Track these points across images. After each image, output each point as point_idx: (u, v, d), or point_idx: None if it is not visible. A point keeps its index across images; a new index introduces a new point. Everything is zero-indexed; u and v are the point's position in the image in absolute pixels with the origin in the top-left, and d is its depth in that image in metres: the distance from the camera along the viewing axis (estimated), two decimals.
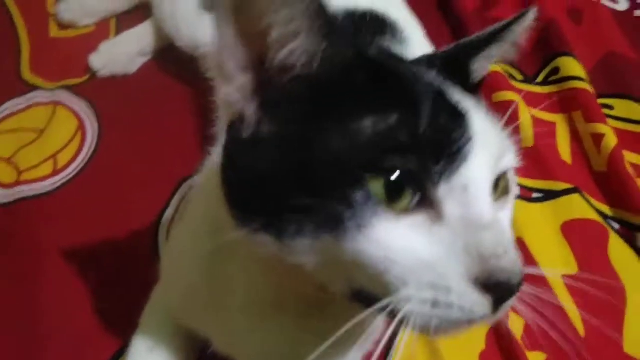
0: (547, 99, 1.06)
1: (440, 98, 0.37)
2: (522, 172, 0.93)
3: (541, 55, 1.12)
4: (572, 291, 0.80)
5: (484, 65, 0.47)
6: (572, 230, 0.87)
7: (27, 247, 0.82)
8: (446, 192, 0.34)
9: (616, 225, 0.89)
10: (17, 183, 0.88)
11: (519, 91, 1.05)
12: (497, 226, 0.35)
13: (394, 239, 0.34)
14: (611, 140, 0.94)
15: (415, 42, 0.81)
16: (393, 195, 0.34)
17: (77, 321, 0.74)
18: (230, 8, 0.34)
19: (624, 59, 1.12)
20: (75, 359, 0.72)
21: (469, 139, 0.35)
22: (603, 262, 0.85)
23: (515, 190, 0.42)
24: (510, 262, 0.34)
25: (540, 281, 0.80)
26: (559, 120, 1.03)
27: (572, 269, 0.84)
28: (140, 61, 1.07)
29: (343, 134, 0.34)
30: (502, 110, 1.01)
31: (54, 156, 0.92)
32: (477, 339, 0.76)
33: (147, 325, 0.68)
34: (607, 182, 0.93)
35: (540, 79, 1.11)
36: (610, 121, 1.00)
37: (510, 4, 1.20)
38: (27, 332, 0.74)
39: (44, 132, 0.95)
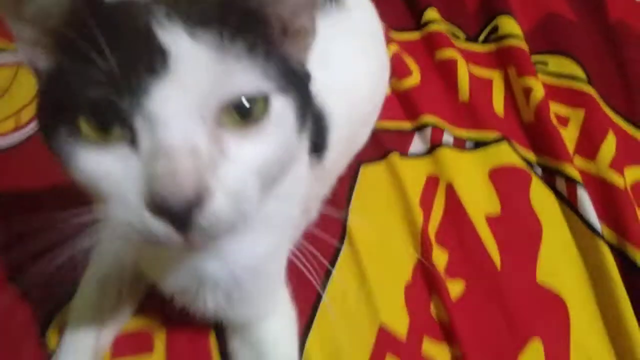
0: (486, 56, 1.13)
1: (144, 37, 0.38)
2: (457, 123, 1.01)
3: (483, 15, 1.19)
4: (494, 229, 0.88)
5: None
6: (499, 176, 0.94)
7: None
8: (140, 123, 0.38)
9: (539, 171, 0.96)
10: None
11: (460, 49, 1.11)
12: (182, 153, 0.37)
13: (95, 166, 0.39)
14: (539, 93, 1.01)
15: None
16: (102, 130, 0.38)
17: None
18: None
19: (562, 19, 1.18)
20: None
21: (156, 74, 0.37)
22: (524, 203, 0.92)
23: (278, 121, 0.42)
24: (173, 186, 0.36)
25: (464, 221, 0.88)
26: (495, 76, 1.10)
27: (496, 210, 0.91)
28: None
29: (64, 76, 0.40)
30: (443, 67, 1.09)
31: (17, 113, 0.98)
32: (403, 271, 0.84)
33: (96, 264, 0.74)
34: (534, 131, 1.00)
35: (481, 38, 1.17)
36: (543, 76, 1.07)
37: None
38: None
39: (8, 91, 1.01)
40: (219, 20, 0.40)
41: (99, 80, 0.37)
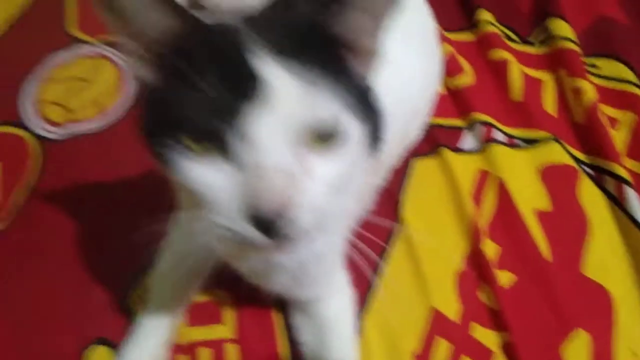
0: (538, 58, 1.15)
1: (242, 65, 0.43)
2: (508, 122, 1.05)
3: (536, 18, 1.22)
4: (543, 224, 0.92)
5: (362, 20, 0.48)
6: (548, 173, 0.98)
7: (75, 177, 0.96)
8: (237, 143, 0.42)
9: (589, 170, 0.99)
10: (69, 123, 1.03)
11: (512, 50, 1.15)
12: (274, 173, 0.42)
13: (197, 176, 0.44)
14: (591, 95, 1.03)
15: None
16: (201, 144, 0.44)
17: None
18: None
19: (614, 22, 1.20)
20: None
21: (254, 102, 0.42)
22: (573, 200, 0.95)
23: (354, 144, 0.47)
24: (268, 202, 0.42)
25: (514, 215, 0.92)
26: (546, 77, 1.12)
27: (545, 205, 0.95)
28: None
29: (171, 93, 0.45)
30: (496, 67, 1.13)
31: (99, 101, 1.06)
32: (455, 260, 0.89)
33: (174, 242, 0.78)
34: (584, 132, 1.03)
35: (533, 39, 1.20)
36: (594, 79, 1.09)
37: None
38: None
39: (90, 81, 1.09)
40: (305, 48, 0.45)
41: (199, 102, 0.42)
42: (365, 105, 0.50)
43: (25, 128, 1.03)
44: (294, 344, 0.80)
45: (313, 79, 0.44)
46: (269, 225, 0.43)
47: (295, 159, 0.44)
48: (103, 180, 0.95)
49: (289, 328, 0.81)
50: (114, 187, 0.95)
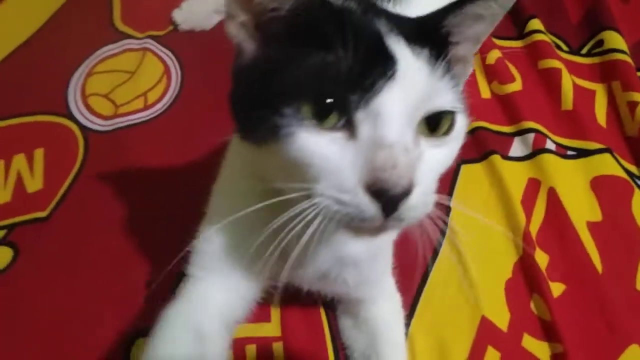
0: (590, 69, 1.14)
1: (375, 44, 0.44)
2: (559, 131, 1.03)
3: (587, 29, 1.20)
4: (594, 235, 0.90)
5: (466, 22, 0.49)
6: (600, 185, 0.96)
7: (117, 168, 0.96)
8: (362, 117, 0.43)
9: None
10: (115, 115, 1.03)
11: (563, 60, 1.13)
12: (400, 148, 0.42)
13: (314, 148, 0.43)
14: None
15: None
16: (321, 116, 0.43)
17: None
18: None
19: None
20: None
21: (387, 78, 0.42)
22: (626, 213, 0.93)
23: (458, 136, 0.48)
24: (394, 176, 0.41)
25: (565, 224, 0.90)
26: (598, 89, 1.10)
27: (597, 217, 0.92)
28: (216, 18, 1.18)
29: (293, 63, 0.44)
30: (547, 76, 1.11)
31: (144, 94, 1.06)
32: (504, 268, 0.87)
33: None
34: (637, 145, 1.01)
35: (584, 50, 1.18)
36: None
37: None
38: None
39: (135, 74, 1.09)
40: (428, 42, 0.46)
41: (332, 73, 0.43)
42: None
43: (72, 119, 1.03)
44: (338, 348, 0.78)
45: (437, 73, 0.45)
46: (392, 200, 0.42)
47: (413, 140, 0.44)
48: (145, 172, 0.95)
49: (333, 332, 0.79)
50: (155, 179, 0.94)
